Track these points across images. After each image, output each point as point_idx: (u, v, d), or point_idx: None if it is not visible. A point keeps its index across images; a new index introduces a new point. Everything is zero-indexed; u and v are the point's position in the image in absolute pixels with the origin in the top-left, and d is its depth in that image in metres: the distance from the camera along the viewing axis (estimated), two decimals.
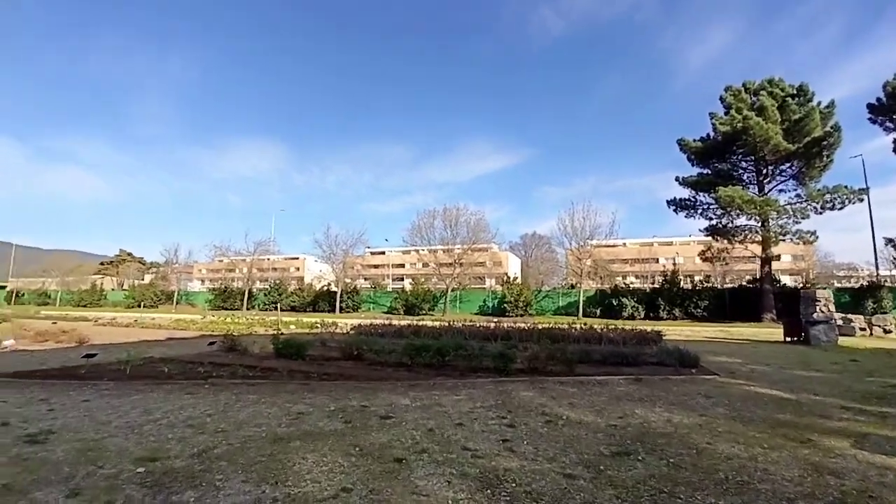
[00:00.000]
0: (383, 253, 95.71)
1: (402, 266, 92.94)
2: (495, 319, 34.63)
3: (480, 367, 8.33)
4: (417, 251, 47.14)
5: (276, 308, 47.17)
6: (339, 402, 5.76)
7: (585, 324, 15.93)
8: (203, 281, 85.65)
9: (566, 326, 14.50)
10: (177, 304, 51.80)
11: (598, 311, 36.76)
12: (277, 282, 50.75)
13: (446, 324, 16.40)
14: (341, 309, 42.72)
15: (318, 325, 23.29)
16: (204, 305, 52.28)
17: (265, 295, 48.74)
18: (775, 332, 20.20)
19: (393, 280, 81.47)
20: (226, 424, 4.60)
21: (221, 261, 73.63)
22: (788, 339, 16.22)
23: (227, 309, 47.66)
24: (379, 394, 6.33)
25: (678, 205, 33.28)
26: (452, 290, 41.44)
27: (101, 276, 76.45)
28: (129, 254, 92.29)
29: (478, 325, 15.97)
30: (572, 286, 42.46)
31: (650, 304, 34.29)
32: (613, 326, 14.39)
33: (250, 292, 48.36)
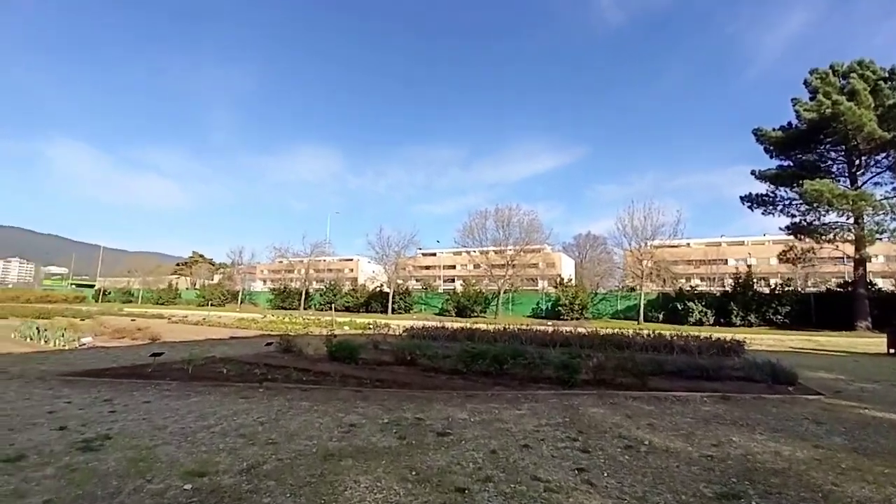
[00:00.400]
0: (434, 254, 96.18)
1: (454, 267, 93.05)
2: (549, 323, 33.53)
3: (541, 377, 7.73)
4: (469, 252, 46.68)
5: (331, 308, 48.66)
6: (393, 413, 5.42)
7: (652, 330, 14.73)
8: (265, 281, 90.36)
9: (631, 333, 13.45)
10: (241, 303, 54.83)
11: (661, 316, 34.53)
12: (332, 283, 52.33)
13: (501, 327, 15.82)
14: (393, 310, 43.21)
15: (371, 327, 23.48)
16: (265, 305, 54.99)
17: (321, 295, 50.41)
18: (874, 342, 17.83)
19: (444, 281, 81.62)
20: (277, 435, 4.38)
21: (281, 262, 77.40)
22: (894, 350, 14.19)
23: (285, 308, 49.80)
24: (434, 405, 5.93)
25: (754, 201, 30.46)
26: (504, 293, 40.60)
27: (176, 276, 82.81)
28: (201, 255, 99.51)
29: (534, 329, 15.25)
30: (632, 289, 40.26)
31: (721, 308, 31.67)
32: (685, 333, 13.15)
33: (307, 292, 50.19)
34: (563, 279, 53.92)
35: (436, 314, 44.25)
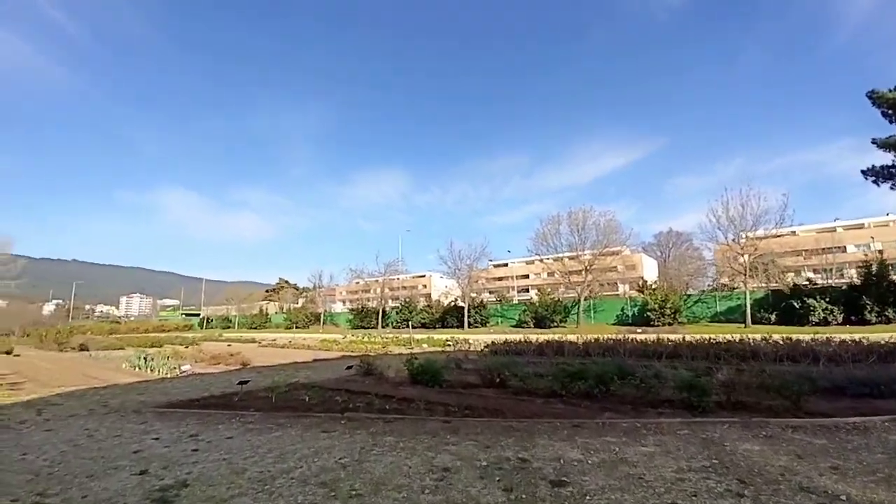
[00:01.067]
0: (506, 265, 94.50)
1: (527, 277, 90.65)
2: (639, 330, 30.79)
3: (658, 401, 6.49)
4: (542, 260, 44.83)
5: (407, 325, 49.18)
6: (491, 450, 4.60)
7: (768, 335, 12.48)
8: (344, 302, 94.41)
9: (754, 339, 11.46)
10: (323, 324, 57.37)
11: (773, 317, 30.32)
12: (407, 300, 53.00)
13: (591, 338, 14.40)
14: (469, 324, 42.52)
15: (450, 343, 22.90)
16: (345, 325, 57.05)
17: (397, 313, 51.20)
18: None
19: (518, 292, 79.62)
20: (361, 483, 3.75)
21: (357, 283, 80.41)
22: None
23: (364, 327, 51.19)
24: (537, 439, 5.02)
25: (880, 174, 25.78)
26: (585, 300, 38.26)
27: (266, 301, 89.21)
28: (286, 281, 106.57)
29: (630, 339, 13.67)
30: (732, 288, 36.04)
31: (850, 304, 27.11)
32: (824, 337, 10.90)
33: (384, 311, 51.22)
34: (646, 282, 49.97)
35: (513, 326, 42.83)
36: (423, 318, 47.42)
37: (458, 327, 43.09)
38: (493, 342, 16.97)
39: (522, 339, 15.71)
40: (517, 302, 63.49)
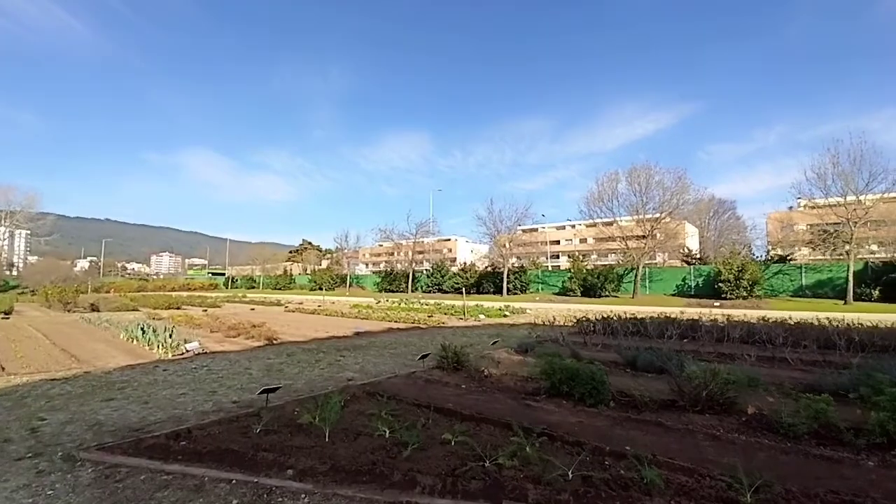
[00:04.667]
0: (535, 230, 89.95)
1: (558, 243, 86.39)
2: (716, 304, 26.76)
3: None
4: (595, 224, 40.33)
5: (438, 290, 46.13)
6: None
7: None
8: (367, 265, 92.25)
9: None
10: (349, 286, 54.94)
11: (876, 292, 25.79)
12: (438, 264, 49.79)
13: (723, 317, 10.58)
14: (508, 290, 39.11)
15: (506, 313, 19.48)
16: (372, 288, 54.47)
17: (427, 277, 48.09)
18: None
19: (550, 258, 75.53)
20: None
21: (381, 245, 77.51)
22: None
23: (392, 291, 48.40)
24: None
25: None
26: (642, 267, 34.12)
27: (290, 262, 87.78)
28: (310, 243, 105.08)
29: (797, 321, 9.81)
30: (839, 256, 31.30)
31: None
32: None
33: (413, 274, 48.18)
34: (690, 250, 45.35)
35: (555, 294, 39.26)
36: (456, 283, 44.18)
37: (494, 293, 39.77)
38: (575, 316, 13.36)
39: (629, 316, 12.01)
40: (551, 269, 59.76)
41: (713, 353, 8.27)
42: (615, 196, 33.78)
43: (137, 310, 21.33)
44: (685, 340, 9.56)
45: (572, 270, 38.34)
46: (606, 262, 54.86)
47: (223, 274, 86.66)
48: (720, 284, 29.85)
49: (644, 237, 33.08)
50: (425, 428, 4.33)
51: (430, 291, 45.79)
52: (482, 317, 17.68)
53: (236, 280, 74.33)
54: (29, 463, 3.42)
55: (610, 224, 37.56)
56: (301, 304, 28.78)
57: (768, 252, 42.02)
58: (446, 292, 44.19)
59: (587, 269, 37.03)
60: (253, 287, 66.79)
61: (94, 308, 21.07)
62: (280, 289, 61.11)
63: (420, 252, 53.43)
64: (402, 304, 26.28)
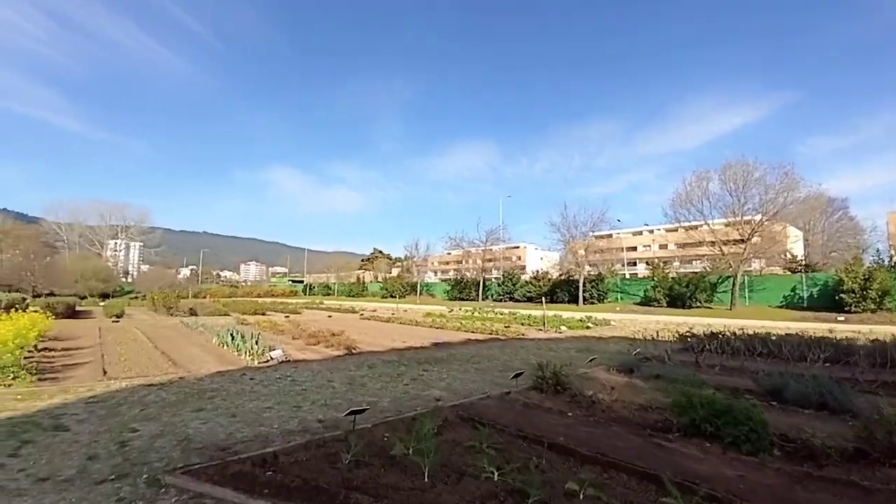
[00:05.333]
0: (610, 236, 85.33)
1: (634, 249, 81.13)
2: (840, 318, 23.04)
3: None
4: (678, 228, 37.06)
5: (509, 299, 44.92)
6: None
7: None
8: (435, 273, 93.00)
9: None
10: (419, 294, 55.41)
11: None
12: (510, 271, 48.66)
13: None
14: (584, 299, 36.97)
15: (588, 325, 18.11)
16: (441, 296, 54.47)
17: (498, 285, 47.08)
18: None
19: (626, 265, 71.01)
20: None
21: (449, 253, 77.67)
22: None
23: (462, 299, 47.95)
24: None
25: None
26: (735, 276, 30.51)
27: (362, 270, 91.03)
28: (380, 251, 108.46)
29: None
30: None
31: None
32: None
33: (484, 282, 47.41)
34: (794, 256, 39.91)
35: (637, 304, 36.44)
36: (529, 292, 42.70)
37: (569, 302, 37.79)
38: (667, 329, 11.79)
39: (762, 333, 10.36)
40: (628, 277, 56.04)
41: (875, 381, 6.66)
42: (706, 196, 30.61)
43: (228, 314, 22.76)
44: (836, 365, 7.85)
45: (655, 278, 35.37)
46: (691, 270, 50.24)
47: (302, 281, 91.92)
48: (842, 295, 25.73)
49: (741, 241, 29.54)
50: (539, 469, 3.59)
51: (500, 300, 44.74)
52: (564, 328, 16.50)
53: (313, 287, 78.35)
54: (110, 488, 3.18)
55: (696, 228, 34.11)
56: (375, 311, 29.22)
57: (891, 257, 35.82)
58: (518, 301, 42.88)
59: (672, 278, 33.96)
60: (329, 294, 69.92)
61: (192, 312, 22.80)
62: (353, 296, 63.29)
63: (490, 260, 52.62)
64: (476, 314, 25.65)
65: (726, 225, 31.66)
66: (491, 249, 49.87)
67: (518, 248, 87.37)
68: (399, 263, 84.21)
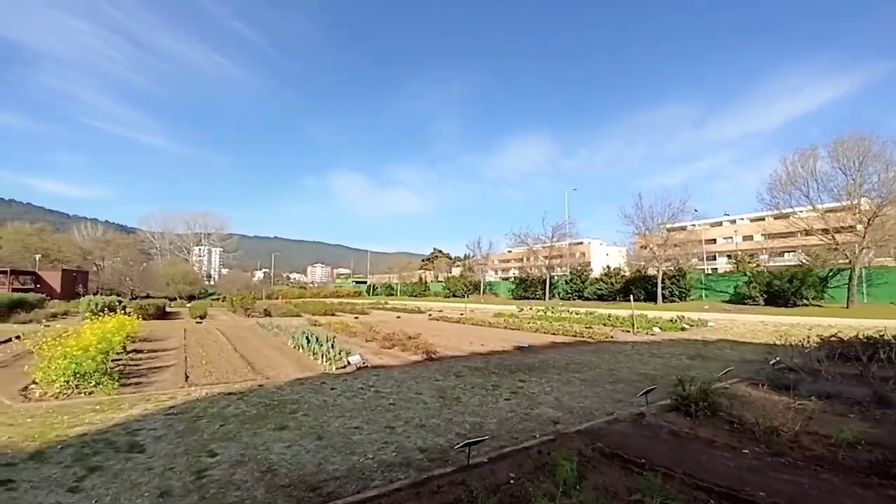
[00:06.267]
0: (685, 228, 79.08)
1: (713, 241, 74.48)
2: None
3: None
4: (764, 218, 32.87)
5: (578, 297, 42.57)
6: None
7: None
8: (496, 271, 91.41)
9: None
10: (483, 293, 54.35)
11: None
12: (578, 268, 46.25)
13: None
14: (664, 297, 34.00)
15: (683, 325, 16.11)
16: (506, 294, 53.00)
17: (565, 283, 44.85)
18: None
19: (706, 259, 65.23)
20: None
21: (510, 251, 75.77)
22: None
23: (527, 298, 46.20)
24: None
25: None
26: (863, 268, 26.38)
27: (423, 270, 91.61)
28: (440, 251, 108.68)
29: None
30: None
31: None
32: None
33: (550, 280, 45.38)
34: None
35: (725, 302, 32.87)
36: (599, 289, 40.19)
37: (646, 300, 34.93)
38: (796, 334, 9.71)
39: (835, 329, 8.24)
40: (710, 272, 51.39)
41: None
42: (813, 177, 26.65)
43: (299, 315, 23.12)
44: None
45: (748, 273, 31.69)
46: (782, 263, 44.87)
47: (365, 282, 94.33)
48: None
49: (855, 227, 25.43)
50: None
51: (568, 298, 42.55)
52: (657, 329, 14.71)
53: (376, 288, 79.94)
54: None
55: (793, 215, 29.80)
56: (442, 311, 28.59)
57: None
58: (588, 299, 40.52)
59: (770, 272, 30.18)
60: (391, 294, 70.87)
61: (267, 313, 23.42)
62: (416, 296, 63.54)
63: (556, 256, 50.39)
64: (549, 313, 24.16)
65: (833, 210, 27.47)
66: (557, 245, 47.68)
67: (581, 243, 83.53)
68: (459, 263, 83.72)
